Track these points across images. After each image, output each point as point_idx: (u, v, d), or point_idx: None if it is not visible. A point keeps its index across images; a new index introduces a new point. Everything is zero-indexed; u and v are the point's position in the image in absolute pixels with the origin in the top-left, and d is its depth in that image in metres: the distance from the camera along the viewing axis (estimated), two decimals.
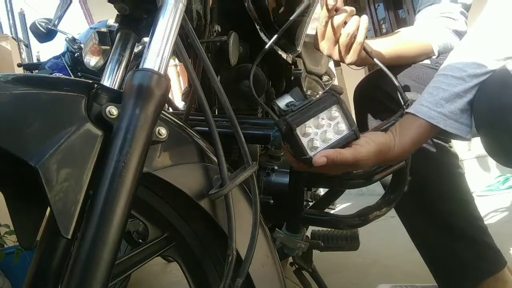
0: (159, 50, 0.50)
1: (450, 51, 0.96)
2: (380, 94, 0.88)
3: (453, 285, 0.88)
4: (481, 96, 0.65)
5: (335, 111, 0.60)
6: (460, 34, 0.97)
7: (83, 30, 2.25)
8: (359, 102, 0.94)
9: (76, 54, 2.07)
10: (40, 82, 0.46)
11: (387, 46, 0.88)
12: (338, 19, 0.74)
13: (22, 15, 4.19)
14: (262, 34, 0.83)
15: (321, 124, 0.60)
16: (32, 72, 2.58)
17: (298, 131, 0.59)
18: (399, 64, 0.89)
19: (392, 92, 0.86)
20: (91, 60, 1.71)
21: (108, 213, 0.42)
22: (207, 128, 0.56)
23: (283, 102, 0.62)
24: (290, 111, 0.60)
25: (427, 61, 0.93)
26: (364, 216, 0.74)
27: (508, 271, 0.87)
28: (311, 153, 0.60)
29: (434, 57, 0.93)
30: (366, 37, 0.77)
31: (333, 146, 0.61)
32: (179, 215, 0.60)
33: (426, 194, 0.87)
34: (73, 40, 2.09)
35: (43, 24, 1.71)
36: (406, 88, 0.86)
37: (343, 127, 0.61)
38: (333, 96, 0.60)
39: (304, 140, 0.60)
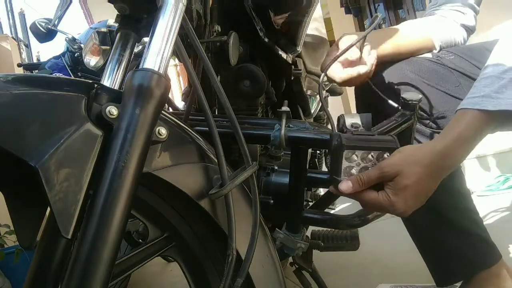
0: (159, 50, 0.50)
1: (453, 46, 0.95)
2: (381, 86, 0.88)
3: (446, 278, 0.89)
4: None
5: (387, 157, 0.61)
6: (468, 29, 0.97)
7: (83, 30, 2.25)
8: (362, 98, 0.94)
9: (76, 54, 2.07)
10: (40, 82, 0.46)
11: (388, 44, 0.88)
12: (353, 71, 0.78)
13: (22, 15, 4.18)
14: (261, 34, 0.83)
15: (368, 159, 0.61)
16: (32, 72, 2.58)
17: (345, 153, 0.60)
18: (399, 60, 0.89)
19: (391, 87, 0.86)
20: (91, 60, 1.71)
21: (108, 213, 0.42)
22: (207, 128, 0.56)
23: (350, 119, 0.64)
24: (350, 132, 0.62)
25: (428, 55, 0.93)
26: (364, 216, 0.74)
27: (503, 266, 0.87)
28: (343, 178, 0.61)
29: (435, 51, 0.93)
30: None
31: None
32: (179, 215, 0.60)
33: None
34: (73, 40, 2.09)
35: (43, 24, 1.71)
36: (406, 88, 0.86)
37: None
38: (394, 144, 0.60)
39: (345, 163, 0.61)
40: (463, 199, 0.89)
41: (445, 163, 0.62)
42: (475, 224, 0.87)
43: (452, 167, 0.63)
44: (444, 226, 0.86)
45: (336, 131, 0.64)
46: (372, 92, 0.91)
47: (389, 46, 0.87)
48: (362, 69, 0.77)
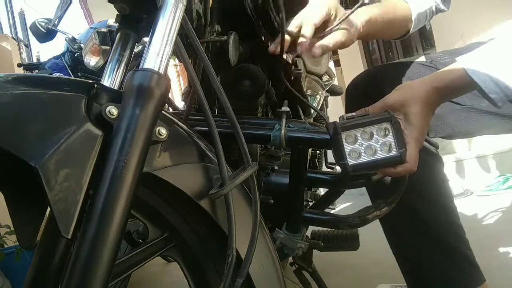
0: (159, 50, 0.50)
1: (423, 23, 0.90)
2: (372, 90, 0.86)
3: None
4: None
5: (387, 129, 0.61)
6: (439, 11, 0.94)
7: (83, 30, 2.25)
8: (351, 97, 0.93)
9: (76, 54, 2.07)
10: (40, 82, 0.46)
11: (374, 8, 0.83)
12: None
13: (22, 15, 4.18)
14: (261, 34, 0.83)
15: (370, 137, 0.61)
16: (32, 72, 2.58)
17: (343, 136, 0.60)
18: (381, 26, 0.85)
19: (384, 88, 0.86)
20: (91, 60, 1.71)
21: (108, 213, 0.42)
22: (207, 128, 0.56)
23: (346, 115, 0.64)
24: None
25: (422, 59, 0.92)
26: (364, 216, 0.74)
27: None
28: (350, 160, 0.60)
29: (410, 27, 0.90)
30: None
31: (376, 162, 0.61)
32: (179, 215, 0.60)
33: (408, 193, 0.85)
34: (73, 40, 2.09)
35: (43, 24, 1.72)
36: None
37: (392, 146, 0.61)
38: (388, 114, 0.61)
39: (348, 147, 0.60)
40: (451, 213, 0.86)
41: (437, 97, 0.65)
42: (461, 242, 0.84)
43: (443, 101, 0.67)
44: (428, 240, 0.82)
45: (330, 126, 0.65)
46: (362, 92, 0.89)
47: (375, 10, 0.82)
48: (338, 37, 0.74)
